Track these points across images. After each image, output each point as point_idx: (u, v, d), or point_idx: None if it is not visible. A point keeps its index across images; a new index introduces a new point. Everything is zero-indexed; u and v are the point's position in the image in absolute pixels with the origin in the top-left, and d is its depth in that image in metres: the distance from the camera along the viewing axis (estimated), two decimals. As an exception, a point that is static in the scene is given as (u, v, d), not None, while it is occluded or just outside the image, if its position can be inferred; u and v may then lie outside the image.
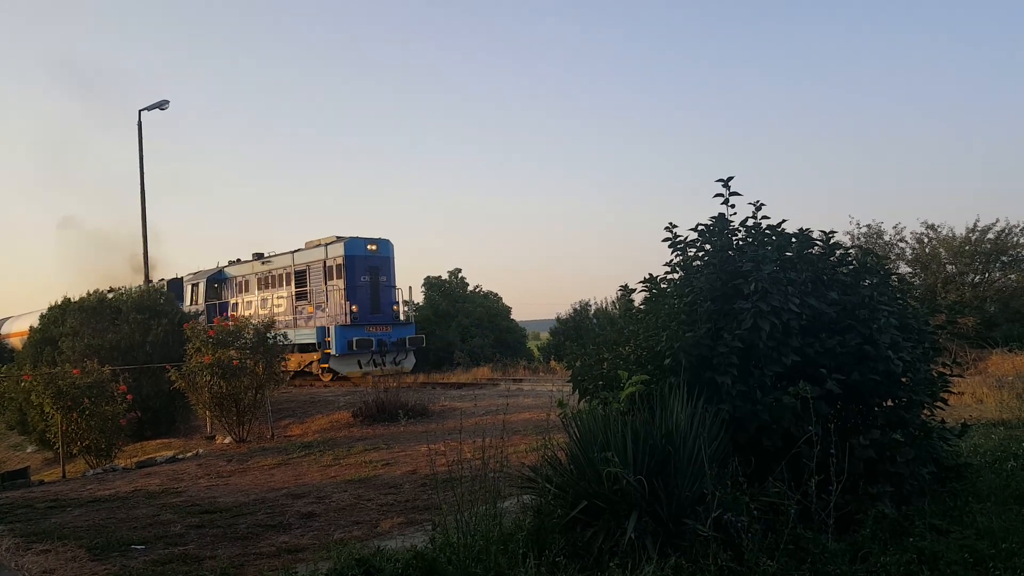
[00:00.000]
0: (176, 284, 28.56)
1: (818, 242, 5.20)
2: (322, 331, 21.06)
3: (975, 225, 23.63)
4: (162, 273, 39.09)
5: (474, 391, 15.74)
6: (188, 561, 5.08)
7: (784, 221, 5.16)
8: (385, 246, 22.02)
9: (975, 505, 4.52)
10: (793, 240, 5.09)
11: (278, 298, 23.47)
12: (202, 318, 24.24)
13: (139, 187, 23.89)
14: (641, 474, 3.71)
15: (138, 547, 5.56)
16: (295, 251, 23.44)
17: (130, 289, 18.96)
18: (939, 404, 5.02)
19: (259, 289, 24.46)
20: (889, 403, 4.82)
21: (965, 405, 8.36)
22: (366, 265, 21.36)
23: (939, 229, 24.14)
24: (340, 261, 21.14)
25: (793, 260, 4.96)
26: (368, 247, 21.51)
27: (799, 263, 4.96)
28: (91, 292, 16.82)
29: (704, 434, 3.93)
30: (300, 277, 22.70)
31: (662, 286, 5.36)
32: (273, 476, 8.49)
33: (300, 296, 22.64)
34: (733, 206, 5.11)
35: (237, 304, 25.17)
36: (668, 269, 5.37)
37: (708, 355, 4.57)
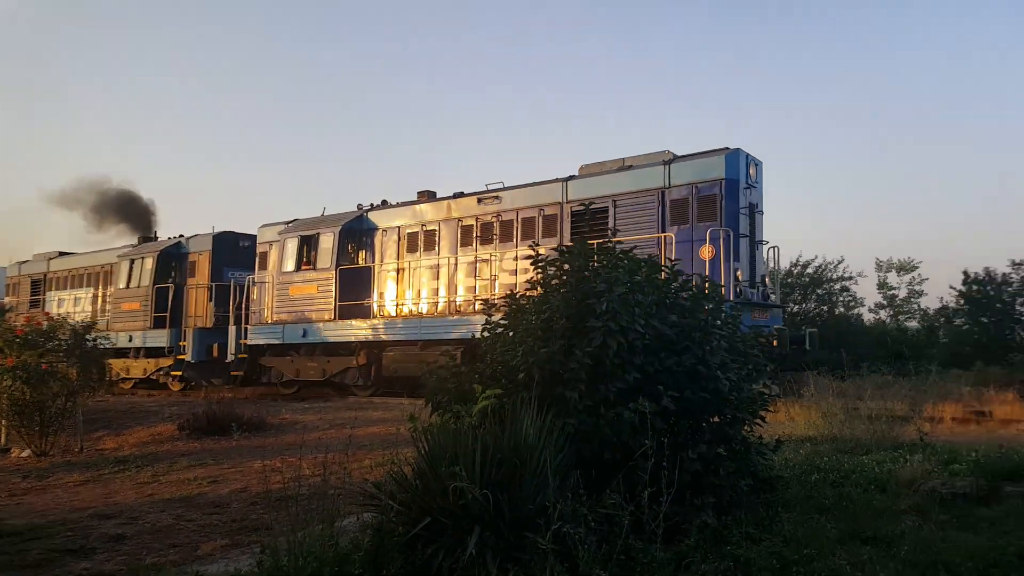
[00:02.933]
0: (226, 242, 20.37)
1: (664, 268, 5.63)
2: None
3: (797, 259, 26.51)
4: (167, 231, 28.72)
5: (320, 404, 15.17)
6: (-36, 594, 4.51)
7: (635, 247, 5.54)
8: (760, 172, 13.41)
9: (784, 514, 5.03)
10: (643, 265, 5.46)
11: (516, 259, 14.15)
12: (327, 291, 16.41)
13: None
14: (487, 488, 3.79)
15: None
16: (565, 180, 14.09)
17: None
18: (758, 421, 5.58)
19: (464, 245, 15.16)
20: (716, 419, 5.27)
21: (779, 423, 9.25)
22: (746, 201, 12.92)
23: (767, 262, 26.88)
24: (712, 191, 12.58)
25: (641, 284, 5.31)
26: (749, 169, 13.00)
27: (646, 287, 5.31)
28: None
29: (551, 447, 4.10)
30: (592, 219, 13.42)
31: (521, 302, 5.54)
32: (78, 494, 7.73)
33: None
34: (597, 230, 5.40)
35: (402, 270, 16.02)
36: (528, 286, 5.59)
37: (560, 370, 4.79)
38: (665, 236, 12.59)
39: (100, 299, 23.11)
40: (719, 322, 5.53)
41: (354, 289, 16.44)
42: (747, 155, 12.95)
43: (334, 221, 17.09)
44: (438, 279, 15.49)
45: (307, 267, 17.14)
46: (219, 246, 20.54)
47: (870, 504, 5.47)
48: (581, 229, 13.45)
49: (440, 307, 15.38)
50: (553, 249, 5.57)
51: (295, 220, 18.23)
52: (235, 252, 20.51)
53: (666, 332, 5.08)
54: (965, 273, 23.60)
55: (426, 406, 5.26)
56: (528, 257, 5.72)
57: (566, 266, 5.35)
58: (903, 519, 5.10)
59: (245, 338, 18.18)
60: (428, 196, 16.62)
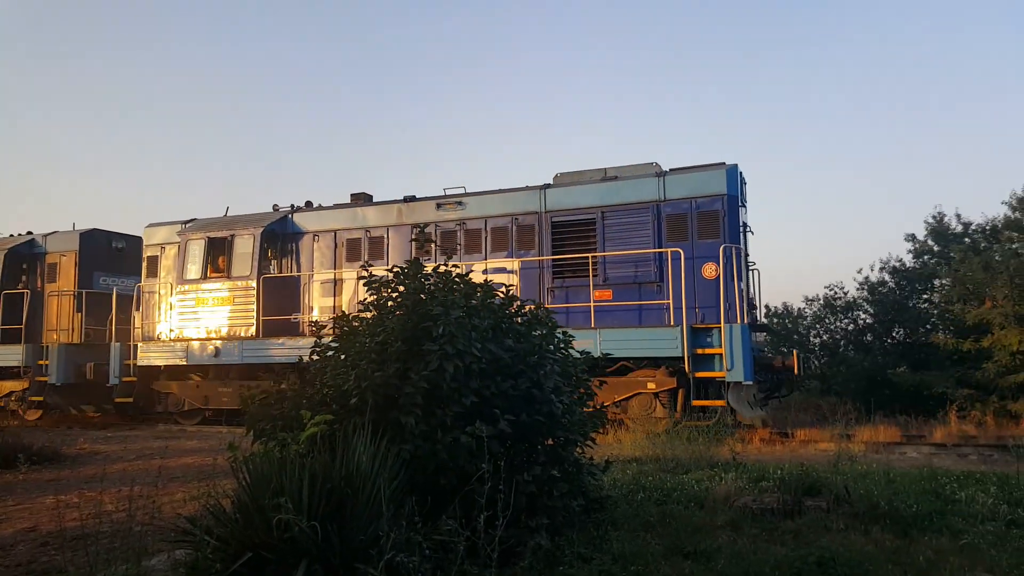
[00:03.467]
0: (96, 242, 17.36)
1: (500, 293, 5.72)
2: (696, 336, 11.47)
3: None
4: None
5: (125, 432, 13.83)
6: None
7: (471, 270, 5.62)
8: (746, 190, 13.11)
9: (613, 533, 5.23)
10: (479, 289, 5.52)
11: (486, 272, 13.02)
12: (247, 304, 14.29)
13: None
14: (316, 519, 3.61)
15: None
16: (542, 188, 13.32)
17: None
18: (589, 443, 5.78)
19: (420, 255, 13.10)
20: (550, 442, 5.40)
21: (608, 444, 9.70)
22: (741, 219, 12.59)
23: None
24: (713, 206, 12.05)
25: (478, 308, 5.35)
26: (743, 187, 12.75)
27: (483, 311, 5.37)
28: None
29: (385, 475, 3.99)
30: (578, 231, 12.88)
31: (354, 324, 5.40)
32: None
33: (579, 268, 12.57)
34: (428, 251, 5.41)
35: (340, 280, 14.41)
36: (362, 308, 5.46)
37: (395, 395, 4.70)
38: (671, 251, 11.97)
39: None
40: (552, 347, 5.71)
41: (277, 302, 14.62)
42: (741, 172, 12.61)
43: (252, 222, 14.99)
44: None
45: (217, 275, 14.95)
46: (88, 246, 17.38)
47: (690, 520, 5.82)
48: (565, 240, 12.92)
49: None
50: (387, 271, 5.50)
51: (194, 220, 15.90)
52: (108, 255, 17.61)
53: (502, 356, 5.16)
54: (767, 307, 26.12)
55: (247, 434, 4.96)
56: (499, 270, 5.53)
57: (401, 288, 5.30)
58: (720, 534, 5.47)
59: (132, 358, 15.65)
60: (364, 199, 15.16)
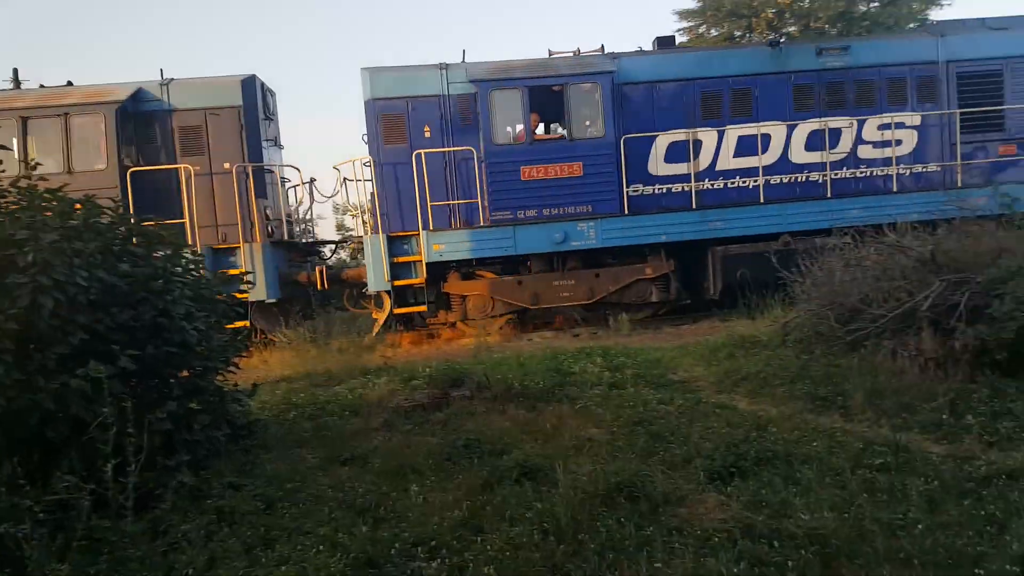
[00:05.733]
0: (258, 96, 12.09)
1: (108, 211, 5.08)
2: None
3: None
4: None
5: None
6: None
7: (65, 185, 4.91)
8: None
9: (264, 456, 5.25)
10: (78, 206, 4.84)
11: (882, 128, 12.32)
12: (602, 172, 11.60)
13: None
14: None
15: None
16: (938, 35, 12.83)
17: None
18: (231, 368, 5.61)
19: (801, 109, 12.34)
20: (186, 373, 5.11)
21: (254, 367, 9.45)
22: None
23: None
24: None
25: (79, 229, 4.71)
26: None
27: (86, 233, 4.74)
28: None
29: (-32, 437, 3.41)
30: (982, 85, 12.54)
31: None
32: None
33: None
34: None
35: (694, 142, 12.17)
36: None
37: (-29, 342, 3.96)
38: None
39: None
40: (180, 269, 5.33)
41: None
42: None
43: (591, 66, 12.07)
44: (761, 152, 12.30)
45: (545, 136, 12.39)
46: (250, 102, 12.05)
47: (346, 429, 6.07)
48: (971, 93, 12.53)
49: (769, 189, 12.38)
50: None
51: (444, 64, 12.07)
52: (263, 115, 12.45)
53: (118, 284, 4.68)
54: None
55: None
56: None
57: None
58: (375, 436, 5.83)
59: (400, 253, 11.88)
60: (671, 44, 13.27)
